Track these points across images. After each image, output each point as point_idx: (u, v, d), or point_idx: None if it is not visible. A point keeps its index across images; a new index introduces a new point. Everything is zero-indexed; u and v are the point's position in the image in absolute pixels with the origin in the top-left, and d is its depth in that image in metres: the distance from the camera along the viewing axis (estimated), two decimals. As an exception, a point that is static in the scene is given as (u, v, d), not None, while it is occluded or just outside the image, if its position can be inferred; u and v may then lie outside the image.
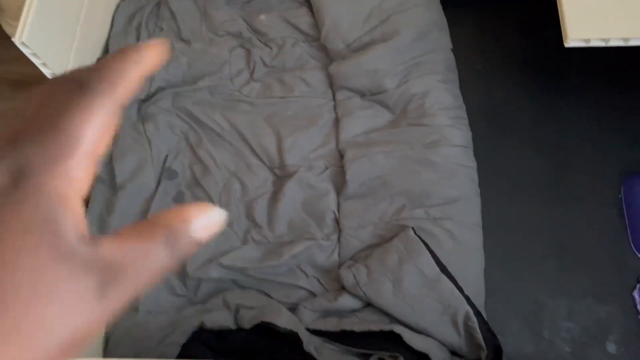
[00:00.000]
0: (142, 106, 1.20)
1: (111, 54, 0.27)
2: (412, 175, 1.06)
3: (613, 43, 0.91)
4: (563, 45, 1.27)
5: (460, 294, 0.93)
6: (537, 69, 1.28)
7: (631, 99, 1.23)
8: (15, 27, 1.37)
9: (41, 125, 0.21)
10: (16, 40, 0.94)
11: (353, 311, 0.99)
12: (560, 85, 1.24)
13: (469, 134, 1.12)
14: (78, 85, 0.22)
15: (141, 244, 0.21)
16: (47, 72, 1.04)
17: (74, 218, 0.20)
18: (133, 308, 1.00)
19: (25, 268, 0.18)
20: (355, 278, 0.97)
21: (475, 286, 1.00)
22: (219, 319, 0.96)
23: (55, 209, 0.20)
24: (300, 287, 1.03)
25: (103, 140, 0.22)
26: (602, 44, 0.91)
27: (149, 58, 0.24)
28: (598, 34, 0.90)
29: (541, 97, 1.24)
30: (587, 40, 0.91)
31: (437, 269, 0.95)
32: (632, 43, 0.91)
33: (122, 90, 0.23)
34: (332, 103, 1.19)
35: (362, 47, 1.19)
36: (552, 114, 1.22)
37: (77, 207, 0.21)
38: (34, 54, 0.98)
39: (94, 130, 0.21)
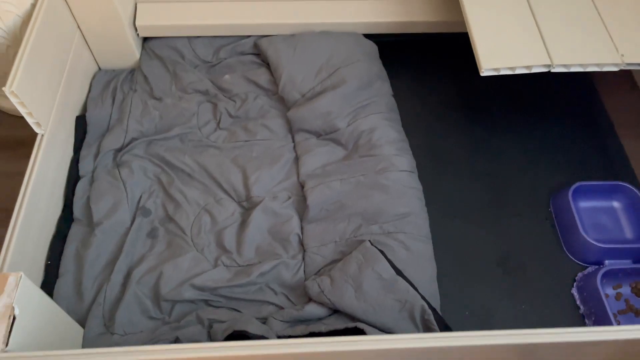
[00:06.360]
0: (116, 155, 1.31)
1: None
2: (366, 197, 1.19)
3: (519, 71, 1.10)
4: (489, 87, 1.50)
5: (415, 291, 1.03)
6: (468, 109, 1.48)
7: (549, 130, 1.43)
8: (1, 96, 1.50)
9: None
10: (6, 89, 1.06)
11: (320, 319, 1.06)
12: (489, 122, 1.44)
13: (414, 162, 1.27)
14: None
15: None
16: (32, 121, 1.15)
17: None
18: (109, 331, 1.03)
19: None
20: (319, 287, 1.05)
21: (430, 290, 1.09)
22: (193, 333, 1.01)
23: None
24: (270, 303, 1.09)
25: None
26: (509, 72, 1.10)
27: None
28: (506, 64, 1.09)
29: (474, 133, 1.43)
30: (497, 70, 1.10)
31: (393, 272, 1.05)
32: (534, 70, 1.10)
33: None
34: (292, 144, 1.34)
35: (315, 96, 1.36)
36: (484, 146, 1.40)
37: None
38: (21, 103, 1.10)
39: None
